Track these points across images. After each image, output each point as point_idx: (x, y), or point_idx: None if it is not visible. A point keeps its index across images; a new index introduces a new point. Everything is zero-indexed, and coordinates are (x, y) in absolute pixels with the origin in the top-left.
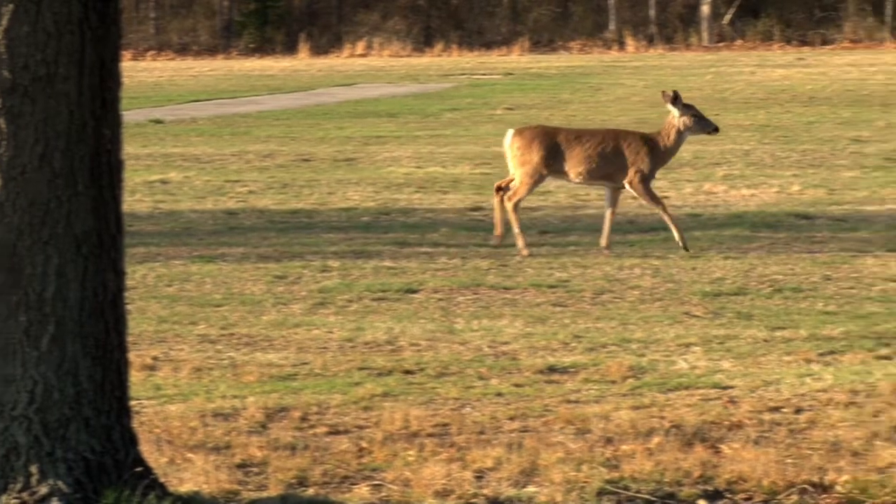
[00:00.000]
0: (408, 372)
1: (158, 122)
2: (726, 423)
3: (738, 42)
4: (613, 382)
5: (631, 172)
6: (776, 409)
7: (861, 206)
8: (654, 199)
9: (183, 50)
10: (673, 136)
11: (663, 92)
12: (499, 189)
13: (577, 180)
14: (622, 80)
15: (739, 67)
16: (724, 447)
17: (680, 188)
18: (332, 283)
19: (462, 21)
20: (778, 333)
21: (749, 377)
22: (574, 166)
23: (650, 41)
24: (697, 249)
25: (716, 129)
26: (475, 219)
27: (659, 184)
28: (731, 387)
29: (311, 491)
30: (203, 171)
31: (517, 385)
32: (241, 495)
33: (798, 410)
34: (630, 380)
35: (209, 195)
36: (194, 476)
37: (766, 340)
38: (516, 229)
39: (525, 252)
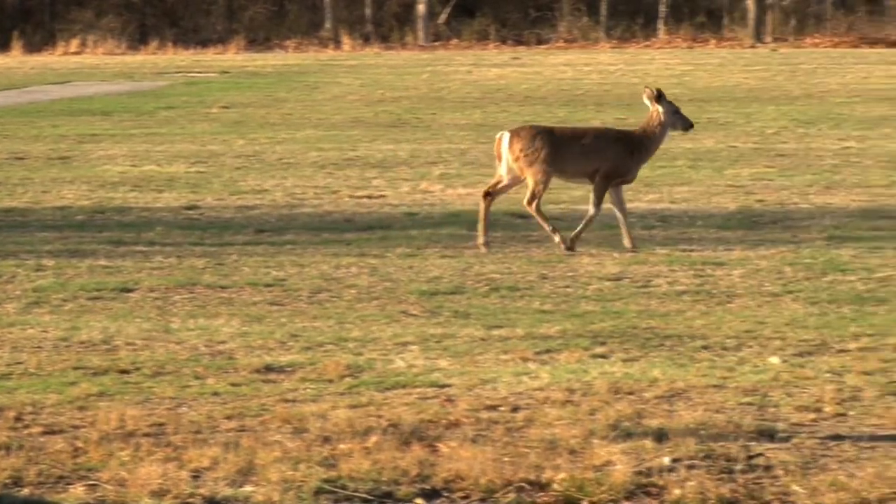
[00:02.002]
0: (123, 371)
1: None
2: (444, 421)
3: (454, 41)
4: (331, 381)
5: (606, 166)
6: (493, 408)
7: (576, 205)
8: (601, 203)
9: None
10: (657, 133)
11: (646, 88)
12: (487, 194)
13: (576, 178)
14: (339, 78)
15: (455, 66)
16: (441, 446)
17: (396, 187)
18: (47, 283)
19: (177, 19)
20: (495, 332)
21: (466, 376)
22: (572, 164)
23: (366, 40)
24: (414, 248)
25: (691, 126)
26: (191, 217)
27: (376, 182)
28: (449, 385)
29: (26, 491)
30: None
31: (234, 384)
32: None
33: (515, 409)
34: (347, 379)
35: None
36: None
37: (483, 339)
38: (548, 228)
39: (564, 244)
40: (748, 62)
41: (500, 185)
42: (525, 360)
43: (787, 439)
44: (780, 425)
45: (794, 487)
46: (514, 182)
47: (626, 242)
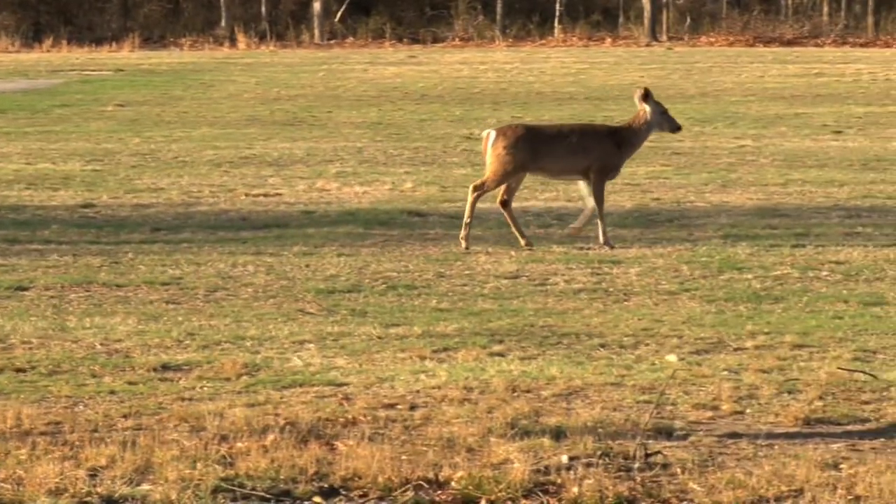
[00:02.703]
0: (19, 370)
1: None
2: (341, 420)
3: (350, 40)
4: (228, 380)
5: (597, 164)
6: (391, 406)
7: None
8: (603, 198)
9: None
10: (642, 131)
11: (636, 89)
12: (503, 204)
13: (564, 176)
14: (234, 76)
15: (351, 65)
16: (339, 444)
17: (293, 185)
18: None
19: (72, 17)
20: (392, 330)
21: (363, 374)
22: (555, 161)
23: (262, 38)
24: (311, 246)
25: (679, 128)
26: (86, 216)
27: (272, 180)
28: (346, 384)
29: None
30: None
31: (131, 383)
32: None
33: (413, 407)
34: (245, 377)
35: None
36: None
37: (380, 337)
38: (466, 220)
39: (464, 242)
40: (644, 61)
41: (508, 189)
42: (422, 358)
43: (684, 437)
44: (678, 423)
45: (692, 485)
46: (520, 179)
47: (574, 228)
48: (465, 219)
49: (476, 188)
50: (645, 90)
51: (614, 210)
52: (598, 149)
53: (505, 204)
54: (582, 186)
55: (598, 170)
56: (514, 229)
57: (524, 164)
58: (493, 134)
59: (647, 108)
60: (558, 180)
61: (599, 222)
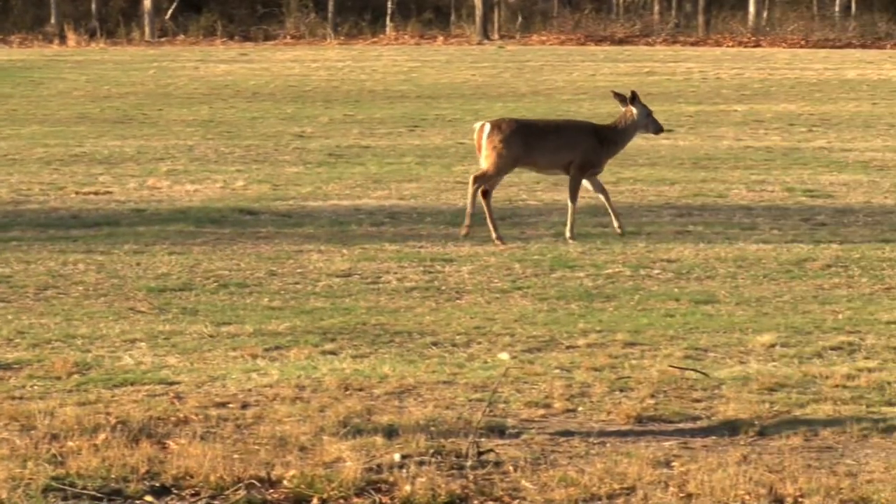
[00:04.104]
0: None
1: None
2: (173, 418)
3: (181, 37)
4: (58, 378)
5: (578, 159)
6: (223, 405)
7: (305, 201)
8: (577, 193)
9: None
10: (628, 131)
11: (633, 91)
12: (484, 193)
13: (549, 170)
14: (64, 74)
15: (182, 63)
16: (170, 443)
17: (124, 183)
18: None
19: None
20: (224, 329)
21: (195, 373)
22: (543, 155)
23: (92, 35)
24: (142, 245)
25: (662, 130)
26: None
27: (102, 178)
28: (178, 382)
29: None
30: None
31: None
32: None
33: (245, 406)
34: (75, 376)
35: None
36: None
37: (211, 336)
38: (469, 210)
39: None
40: (476, 59)
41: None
42: (254, 356)
43: (516, 435)
44: (510, 421)
45: (524, 483)
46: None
47: (617, 226)
48: (468, 209)
49: (476, 179)
50: (632, 93)
51: (446, 209)
52: (581, 145)
53: (486, 194)
54: (585, 184)
55: (578, 165)
56: (489, 222)
57: (518, 157)
58: (487, 126)
59: (634, 109)
60: (543, 174)
61: (569, 216)
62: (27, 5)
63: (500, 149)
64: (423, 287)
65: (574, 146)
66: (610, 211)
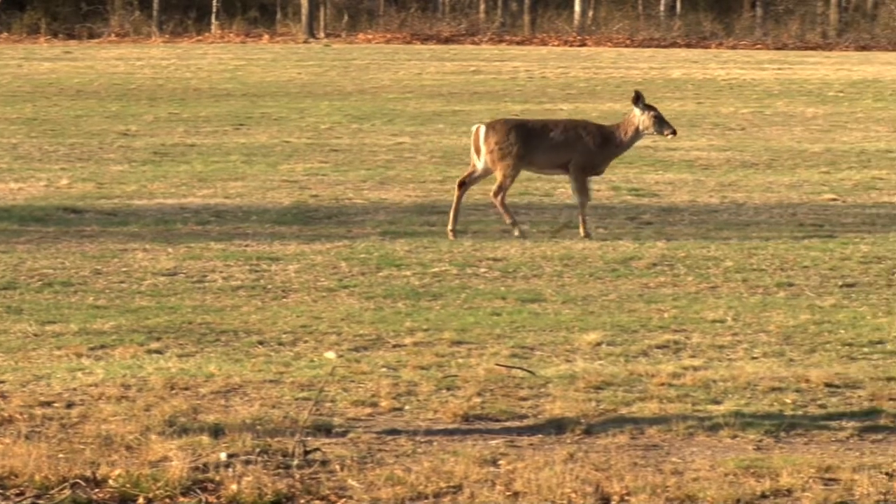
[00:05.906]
0: None
1: None
2: None
3: (4, 35)
4: None
5: (580, 160)
6: (47, 404)
7: (130, 200)
8: (584, 192)
9: None
10: (630, 133)
11: (637, 92)
12: (461, 184)
13: (547, 170)
14: None
15: (6, 60)
16: None
17: None
18: None
19: None
20: (48, 328)
21: (19, 372)
22: (542, 155)
23: None
24: None
25: (674, 132)
26: None
27: None
28: (2, 382)
29: None
30: None
31: None
32: None
33: (70, 405)
34: None
35: None
36: None
37: (36, 335)
38: (509, 221)
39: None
40: (301, 57)
41: (473, 175)
42: (79, 355)
43: (343, 434)
44: (337, 420)
45: (351, 482)
46: (487, 173)
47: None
48: (506, 221)
49: (496, 193)
50: (636, 93)
51: (272, 207)
52: (579, 145)
53: (462, 185)
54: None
55: (578, 166)
56: (453, 212)
57: (522, 156)
58: (482, 129)
59: (637, 111)
60: (542, 174)
61: (580, 216)
62: None
63: (503, 151)
64: (250, 286)
65: (572, 146)
66: (581, 218)
